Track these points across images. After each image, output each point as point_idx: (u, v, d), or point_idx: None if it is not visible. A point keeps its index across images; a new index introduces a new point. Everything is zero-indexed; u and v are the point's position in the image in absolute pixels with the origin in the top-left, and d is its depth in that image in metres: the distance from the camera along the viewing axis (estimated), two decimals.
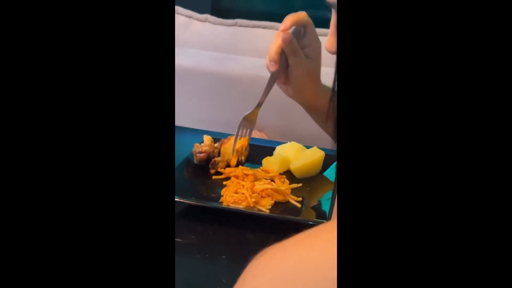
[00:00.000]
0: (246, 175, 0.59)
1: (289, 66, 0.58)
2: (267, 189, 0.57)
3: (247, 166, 0.64)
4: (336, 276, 0.24)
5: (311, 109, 0.66)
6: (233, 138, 0.64)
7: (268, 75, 0.60)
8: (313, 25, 0.57)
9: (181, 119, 0.79)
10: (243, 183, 0.58)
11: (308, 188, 0.60)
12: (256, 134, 0.89)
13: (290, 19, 0.54)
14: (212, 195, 0.58)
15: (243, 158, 0.64)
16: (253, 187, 0.57)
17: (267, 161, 0.62)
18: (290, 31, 0.55)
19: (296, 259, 0.28)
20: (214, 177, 0.61)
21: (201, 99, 0.72)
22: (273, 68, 0.56)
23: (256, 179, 0.59)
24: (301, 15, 0.55)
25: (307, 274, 0.26)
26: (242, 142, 0.61)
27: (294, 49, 0.56)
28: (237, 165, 0.62)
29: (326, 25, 0.80)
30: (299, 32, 0.57)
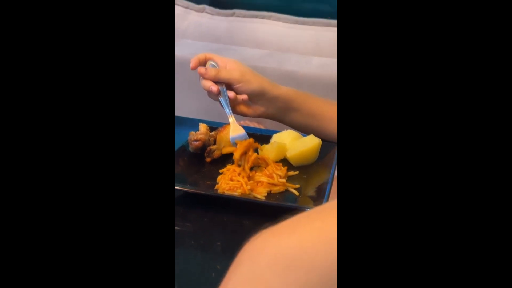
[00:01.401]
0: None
1: (227, 83, 0.66)
2: (261, 182, 0.56)
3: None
4: (335, 258, 0.24)
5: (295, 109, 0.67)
6: (229, 127, 0.63)
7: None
8: (213, 54, 0.68)
9: (178, 110, 0.79)
10: (239, 170, 0.58)
11: (305, 176, 0.59)
12: (254, 126, 0.88)
13: (193, 60, 0.66)
14: (208, 183, 0.57)
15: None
16: (251, 177, 0.57)
17: (263, 149, 0.61)
18: (208, 65, 0.66)
19: (294, 241, 0.27)
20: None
21: (197, 90, 0.72)
22: (215, 88, 0.64)
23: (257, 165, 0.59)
24: (201, 54, 0.68)
25: (305, 256, 0.26)
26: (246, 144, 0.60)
27: (215, 70, 0.65)
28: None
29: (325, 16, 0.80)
30: (213, 65, 0.68)
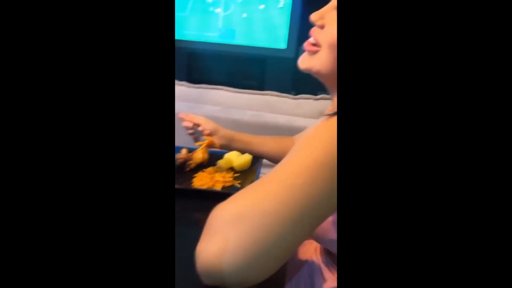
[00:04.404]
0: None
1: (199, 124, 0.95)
2: (219, 181, 0.93)
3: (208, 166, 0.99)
4: (281, 212, 0.26)
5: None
6: (200, 150, 1.04)
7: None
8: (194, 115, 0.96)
9: None
10: (206, 175, 0.95)
11: (243, 177, 0.88)
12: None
13: (181, 114, 0.93)
14: (186, 182, 0.85)
15: (205, 157, 1.00)
16: (213, 178, 0.93)
17: (219, 162, 0.98)
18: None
19: (243, 202, 0.30)
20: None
21: (181, 134, 1.12)
22: (190, 124, 0.95)
23: (216, 171, 0.96)
24: (185, 113, 0.94)
25: (254, 211, 0.28)
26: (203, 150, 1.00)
27: (194, 117, 0.93)
28: (202, 166, 1.00)
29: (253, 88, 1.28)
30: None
